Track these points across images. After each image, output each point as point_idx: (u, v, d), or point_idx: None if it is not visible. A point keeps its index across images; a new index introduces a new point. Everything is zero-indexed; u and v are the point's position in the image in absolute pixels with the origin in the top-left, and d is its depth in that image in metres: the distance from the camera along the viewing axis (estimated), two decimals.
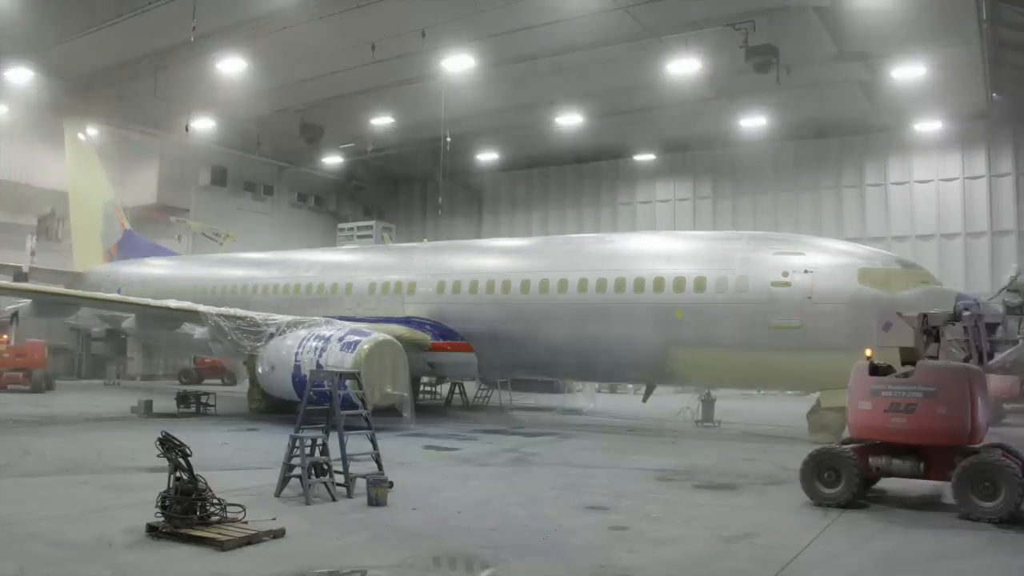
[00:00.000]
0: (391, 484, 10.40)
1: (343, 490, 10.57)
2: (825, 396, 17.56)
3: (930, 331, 11.31)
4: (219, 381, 33.97)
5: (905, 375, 10.65)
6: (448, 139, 33.19)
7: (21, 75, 31.61)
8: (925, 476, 10.60)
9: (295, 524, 8.67)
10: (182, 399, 21.94)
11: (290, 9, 26.43)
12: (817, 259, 18.19)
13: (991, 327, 12.11)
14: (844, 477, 10.56)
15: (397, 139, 39.59)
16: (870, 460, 10.77)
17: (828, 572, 7.67)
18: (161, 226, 38.72)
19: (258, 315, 20.88)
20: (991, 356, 11.61)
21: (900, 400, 10.48)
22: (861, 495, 10.68)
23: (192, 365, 35.01)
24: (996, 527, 9.42)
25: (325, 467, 10.75)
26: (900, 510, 10.65)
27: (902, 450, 10.60)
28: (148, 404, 21.28)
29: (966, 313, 11.46)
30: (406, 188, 50.62)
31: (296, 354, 18.61)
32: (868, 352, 11.32)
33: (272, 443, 15.83)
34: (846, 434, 11.91)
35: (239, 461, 13.55)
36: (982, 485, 9.79)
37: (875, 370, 10.98)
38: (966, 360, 11.19)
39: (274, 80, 32.39)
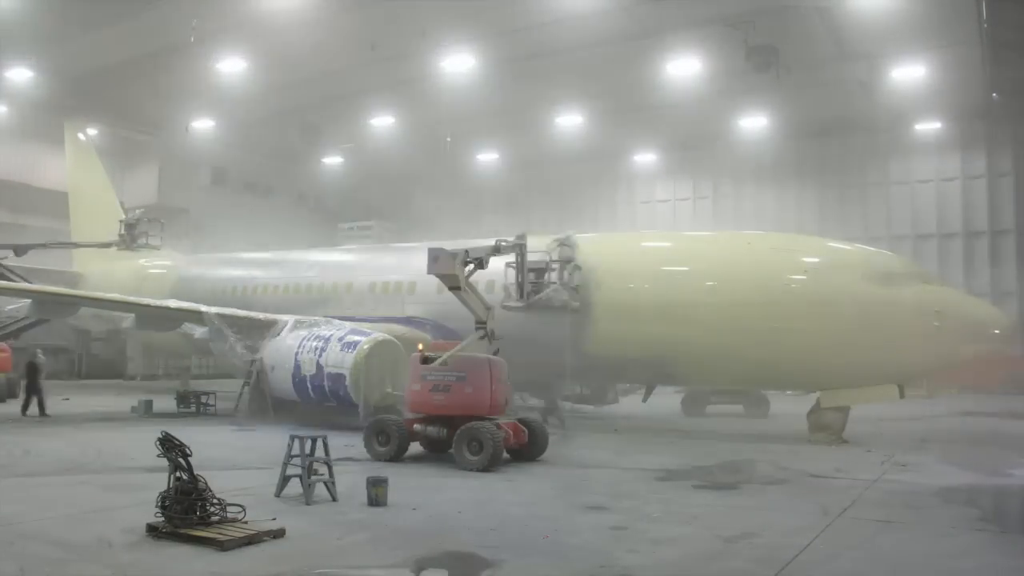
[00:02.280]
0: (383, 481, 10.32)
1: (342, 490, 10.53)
2: (825, 396, 17.57)
3: (474, 261, 14.93)
4: None
5: (443, 363, 13.71)
6: (448, 139, 33.19)
7: (21, 75, 31.64)
8: (447, 438, 13.41)
9: (295, 524, 8.67)
10: (182, 399, 21.94)
11: (290, 9, 26.43)
12: (821, 260, 18.27)
13: (536, 271, 17.32)
14: (392, 439, 13.60)
15: (397, 139, 39.60)
16: (414, 427, 13.86)
17: (828, 572, 7.66)
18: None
19: (258, 315, 20.86)
20: (534, 293, 16.84)
21: (440, 382, 13.61)
22: (404, 451, 13.71)
23: None
24: (996, 529, 9.42)
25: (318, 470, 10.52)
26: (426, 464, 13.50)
27: (435, 419, 13.71)
28: (148, 404, 21.27)
29: (504, 244, 16.16)
30: (406, 188, 50.62)
31: (296, 354, 18.61)
32: (420, 346, 14.52)
33: (272, 443, 15.84)
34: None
35: (239, 461, 13.54)
36: (472, 444, 12.81)
37: (425, 360, 13.92)
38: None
39: (274, 80, 32.39)
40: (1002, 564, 8.15)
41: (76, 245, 33.31)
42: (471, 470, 12.55)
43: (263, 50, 29.32)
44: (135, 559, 7.52)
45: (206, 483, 8.54)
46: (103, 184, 34.90)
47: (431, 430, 13.72)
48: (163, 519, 8.25)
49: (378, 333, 18.71)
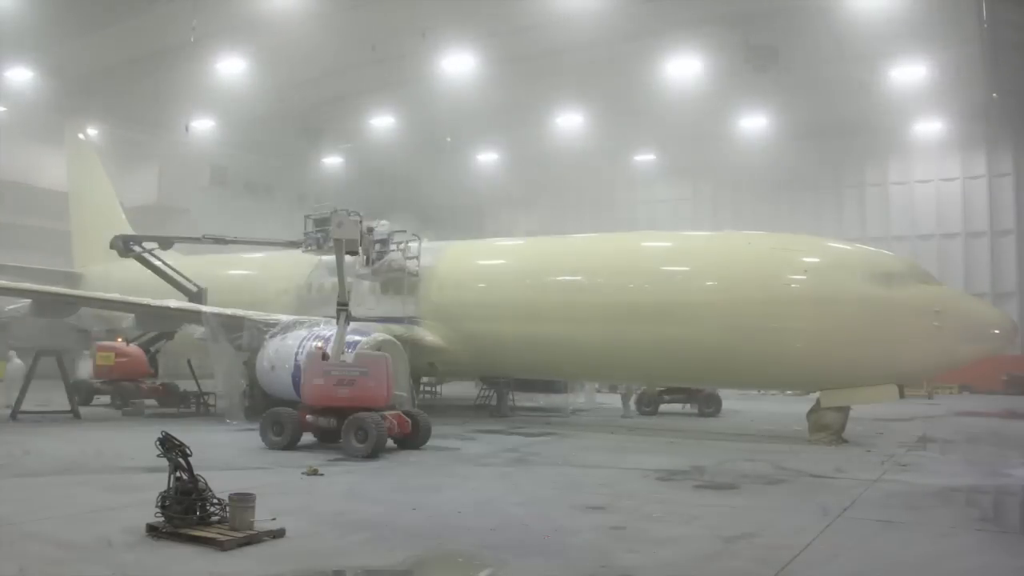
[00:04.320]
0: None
1: None
2: (825, 396, 17.56)
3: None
4: None
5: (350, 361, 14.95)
6: (448, 139, 33.12)
7: (21, 75, 31.66)
8: (336, 428, 14.41)
9: (295, 524, 8.66)
10: (182, 399, 21.93)
11: (290, 9, 26.46)
12: (822, 260, 18.30)
13: None
14: (286, 429, 14.78)
15: (397, 139, 39.61)
16: (307, 418, 14.88)
17: (828, 572, 7.65)
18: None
19: (258, 315, 20.85)
20: None
21: (345, 377, 14.64)
22: (297, 440, 14.84)
23: None
24: (996, 529, 9.42)
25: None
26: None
27: (326, 411, 14.72)
28: (139, 405, 21.29)
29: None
30: (406, 188, 50.62)
31: (296, 354, 18.55)
32: (318, 345, 15.97)
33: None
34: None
35: (239, 461, 13.54)
36: (358, 433, 13.95)
37: (324, 356, 15.27)
38: None
39: (274, 80, 32.42)
40: (1002, 564, 8.15)
41: (256, 243, 27.43)
42: (358, 456, 13.63)
43: (263, 50, 29.36)
44: (135, 559, 7.52)
45: (206, 483, 8.52)
46: (103, 184, 34.87)
47: (322, 421, 14.82)
48: (163, 519, 8.24)
49: (378, 333, 18.72)
